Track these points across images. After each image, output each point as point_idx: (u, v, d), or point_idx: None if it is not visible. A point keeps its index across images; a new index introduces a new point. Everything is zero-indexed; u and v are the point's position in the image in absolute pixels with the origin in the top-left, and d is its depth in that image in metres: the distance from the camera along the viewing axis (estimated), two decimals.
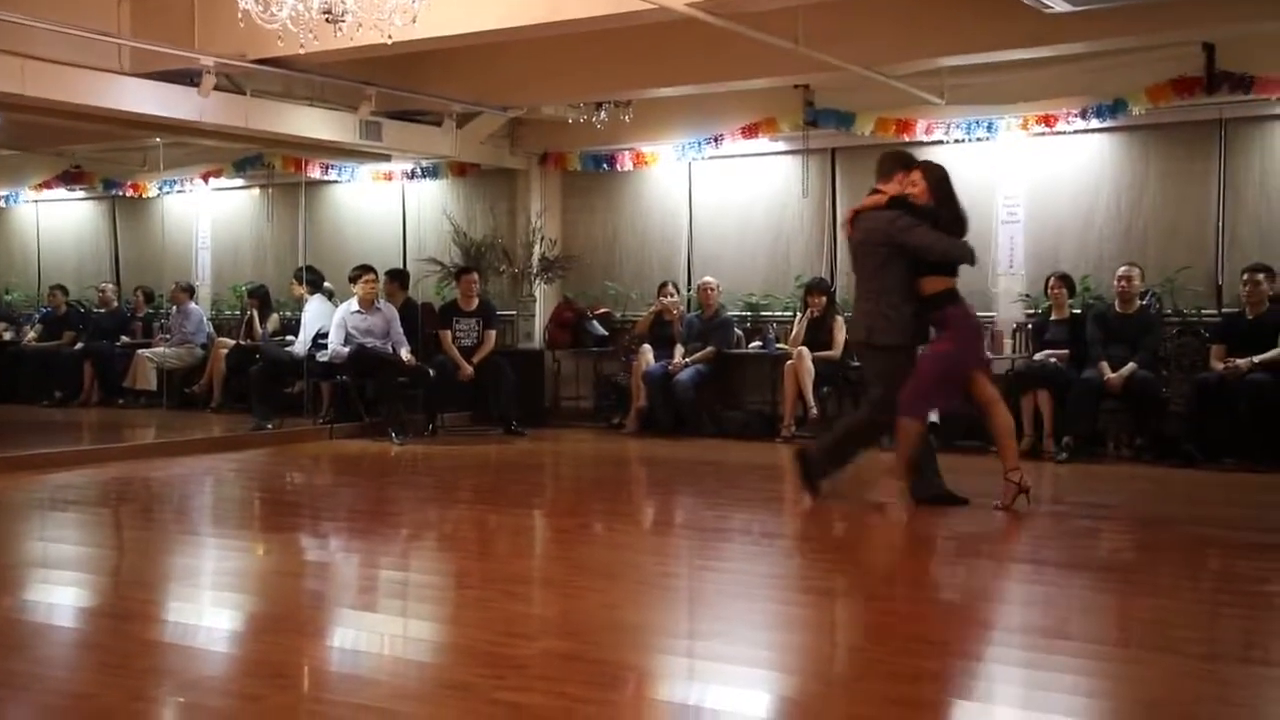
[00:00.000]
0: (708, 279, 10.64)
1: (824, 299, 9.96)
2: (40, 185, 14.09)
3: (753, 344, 10.60)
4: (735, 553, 5.92)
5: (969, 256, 6.57)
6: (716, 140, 10.81)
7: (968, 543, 6.07)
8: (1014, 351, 9.67)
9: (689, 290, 11.05)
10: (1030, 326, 9.61)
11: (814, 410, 9.68)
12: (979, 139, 9.88)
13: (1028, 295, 9.80)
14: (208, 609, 4.85)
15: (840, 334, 9.89)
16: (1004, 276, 9.93)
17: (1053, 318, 9.27)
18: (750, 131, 10.62)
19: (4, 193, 14.35)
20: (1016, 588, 5.20)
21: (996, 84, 9.57)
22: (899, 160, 6.73)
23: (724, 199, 11.12)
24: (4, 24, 7.37)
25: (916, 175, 6.54)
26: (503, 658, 3.94)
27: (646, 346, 10.46)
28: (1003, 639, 4.36)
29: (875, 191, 6.61)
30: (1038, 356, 9.15)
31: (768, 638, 4.36)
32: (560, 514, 7.24)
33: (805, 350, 9.76)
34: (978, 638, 4.31)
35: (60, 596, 4.98)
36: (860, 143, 10.29)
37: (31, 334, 13.50)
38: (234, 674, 3.92)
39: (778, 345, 10.30)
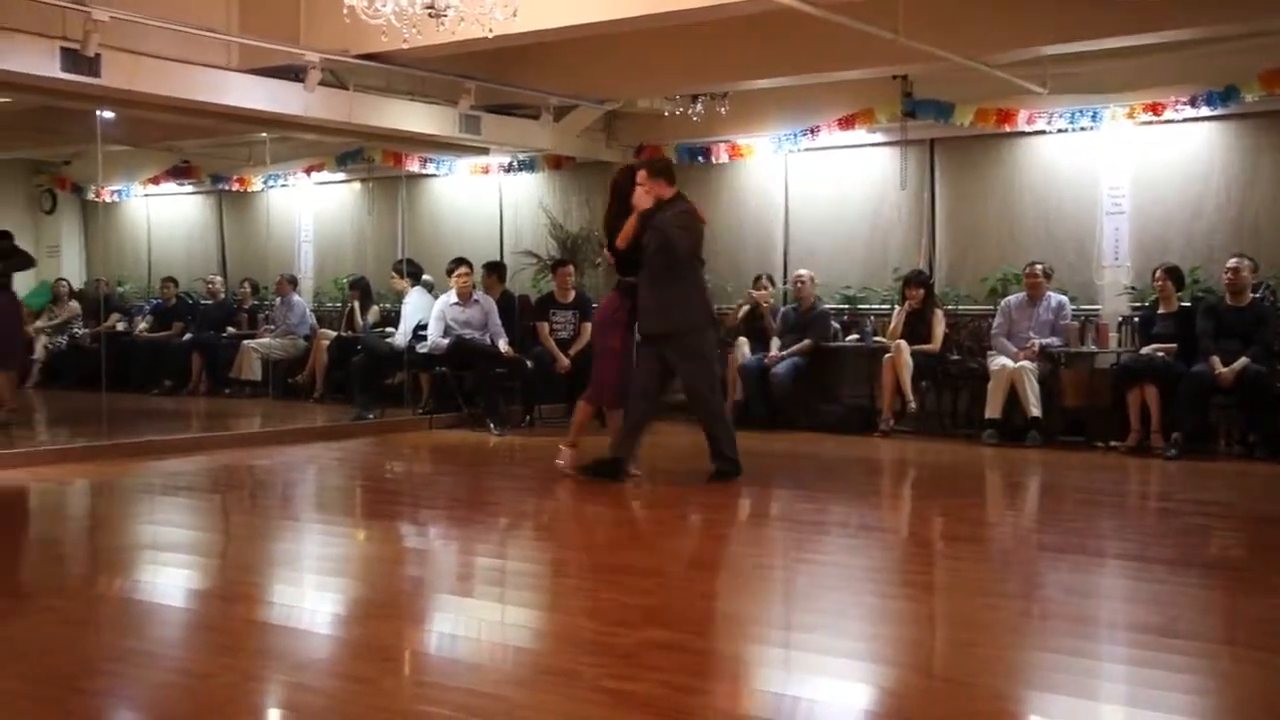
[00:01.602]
0: (804, 271, 10.56)
1: (922, 291, 9.84)
2: (151, 180, 14.47)
3: (850, 337, 10.51)
4: (833, 545, 5.90)
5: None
6: (813, 132, 10.73)
7: (1076, 539, 5.96)
8: (1119, 345, 9.46)
9: (785, 283, 10.98)
10: (1136, 320, 9.39)
11: (913, 404, 9.58)
12: (1082, 128, 9.68)
13: (1133, 288, 9.57)
14: (313, 593, 4.95)
15: (939, 327, 9.78)
16: (1109, 269, 9.72)
17: (1160, 311, 9.05)
18: (847, 123, 10.53)
19: (117, 188, 14.74)
20: (1125, 585, 5.09)
21: (1101, 72, 9.36)
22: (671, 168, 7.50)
23: (820, 191, 11.04)
24: (118, 22, 7.56)
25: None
26: (606, 646, 3.98)
27: (742, 339, 10.42)
28: (1111, 637, 4.28)
29: (679, 197, 7.25)
30: (1144, 351, 8.93)
31: (869, 630, 4.33)
32: (657, 505, 7.24)
33: (904, 343, 9.66)
34: (1086, 635, 4.23)
35: (171, 578, 5.13)
36: (960, 133, 10.15)
37: (143, 325, 13.88)
38: (342, 657, 3.99)
39: (875, 338, 10.20)
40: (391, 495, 7.68)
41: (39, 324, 14.19)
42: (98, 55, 7.61)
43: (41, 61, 7.58)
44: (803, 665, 3.90)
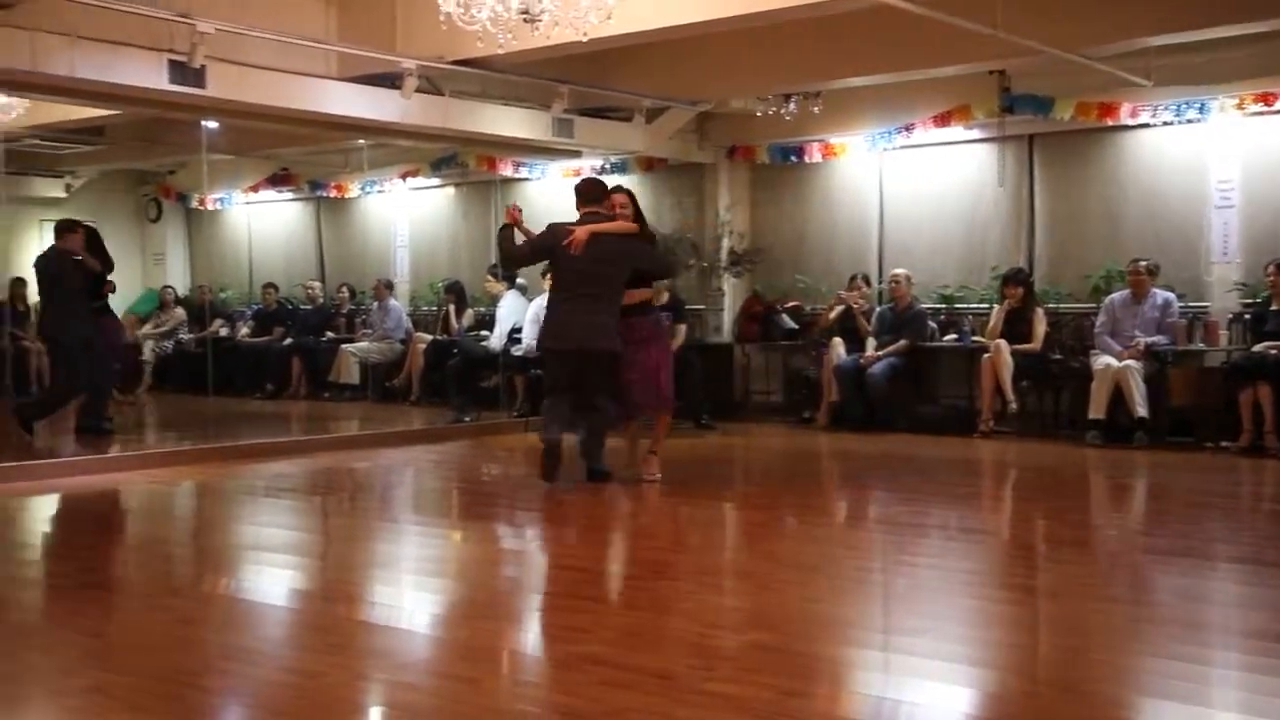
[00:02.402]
0: (900, 271, 10.43)
1: (1022, 290, 9.66)
2: (251, 188, 14.76)
3: (948, 336, 10.35)
4: (933, 548, 5.83)
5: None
6: (907, 129, 10.59)
7: (1187, 542, 5.81)
8: (1230, 343, 9.19)
9: (880, 282, 10.86)
10: (1248, 317, 9.10)
11: (1013, 404, 9.41)
12: (1189, 120, 9.41)
13: (1244, 284, 9.29)
14: (413, 593, 5.01)
15: (1040, 326, 9.60)
16: (1218, 264, 9.44)
17: (1273, 307, 8.76)
18: (943, 120, 10.37)
19: (219, 196, 15.06)
20: (1239, 590, 4.94)
21: (1208, 63, 9.09)
22: (602, 186, 7.59)
23: (916, 189, 10.89)
24: (222, 34, 7.72)
25: (623, 199, 7.38)
26: (709, 649, 3.97)
27: (838, 340, 10.32)
28: (1226, 643, 4.16)
29: (592, 213, 7.33)
30: (1257, 348, 8.66)
31: (972, 634, 4.27)
32: (754, 507, 7.23)
33: (1003, 343, 9.49)
34: (1200, 641, 4.11)
35: (275, 579, 5.23)
36: (1060, 128, 9.95)
37: (244, 330, 14.18)
38: (444, 657, 4.04)
39: (974, 338, 10.03)
40: (488, 497, 7.75)
41: (146, 330, 14.57)
42: (203, 67, 7.77)
43: (150, 74, 7.77)
44: (905, 669, 3.85)
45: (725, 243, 11.51)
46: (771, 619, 4.40)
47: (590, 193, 7.49)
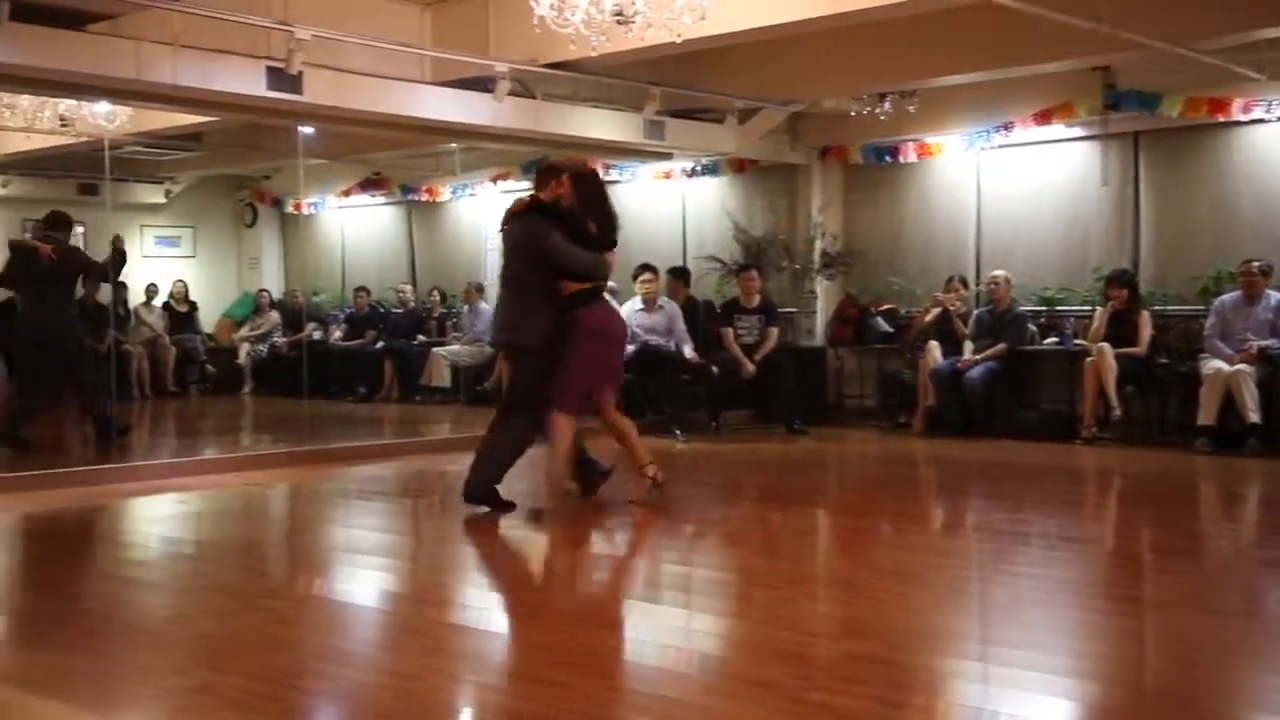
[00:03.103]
0: (998, 273, 10.19)
1: (1126, 292, 9.38)
2: (344, 192, 14.94)
3: (1048, 340, 10.08)
4: (1035, 558, 5.69)
5: (595, 272, 6.55)
6: (1006, 128, 10.35)
7: None
8: None
9: (978, 284, 10.63)
10: None
11: (1117, 410, 9.14)
12: None
13: None
14: (504, 597, 5.03)
15: (1146, 329, 9.32)
16: None
17: None
18: (1044, 117, 10.11)
19: (313, 200, 15.26)
20: None
21: None
22: (551, 170, 6.71)
23: (1015, 189, 10.64)
24: (318, 40, 7.80)
25: (564, 180, 6.54)
26: (808, 658, 3.91)
27: (934, 343, 10.12)
28: None
29: (535, 199, 6.64)
30: None
31: (1077, 646, 4.16)
32: (849, 514, 7.13)
33: (1107, 346, 9.22)
34: None
35: (369, 581, 5.26)
36: (1168, 125, 9.65)
37: (337, 333, 14.34)
38: (541, 661, 4.00)
39: (1076, 341, 9.76)
40: (579, 501, 7.68)
41: (242, 333, 14.83)
42: (300, 73, 7.86)
43: (249, 81, 7.88)
44: (1007, 681, 3.75)
45: (818, 245, 11.37)
46: (870, 628, 4.33)
47: (536, 178, 6.81)
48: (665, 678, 3.78)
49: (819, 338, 11.47)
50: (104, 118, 9.64)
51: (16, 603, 4.98)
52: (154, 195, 15.12)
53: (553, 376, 6.45)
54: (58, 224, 9.30)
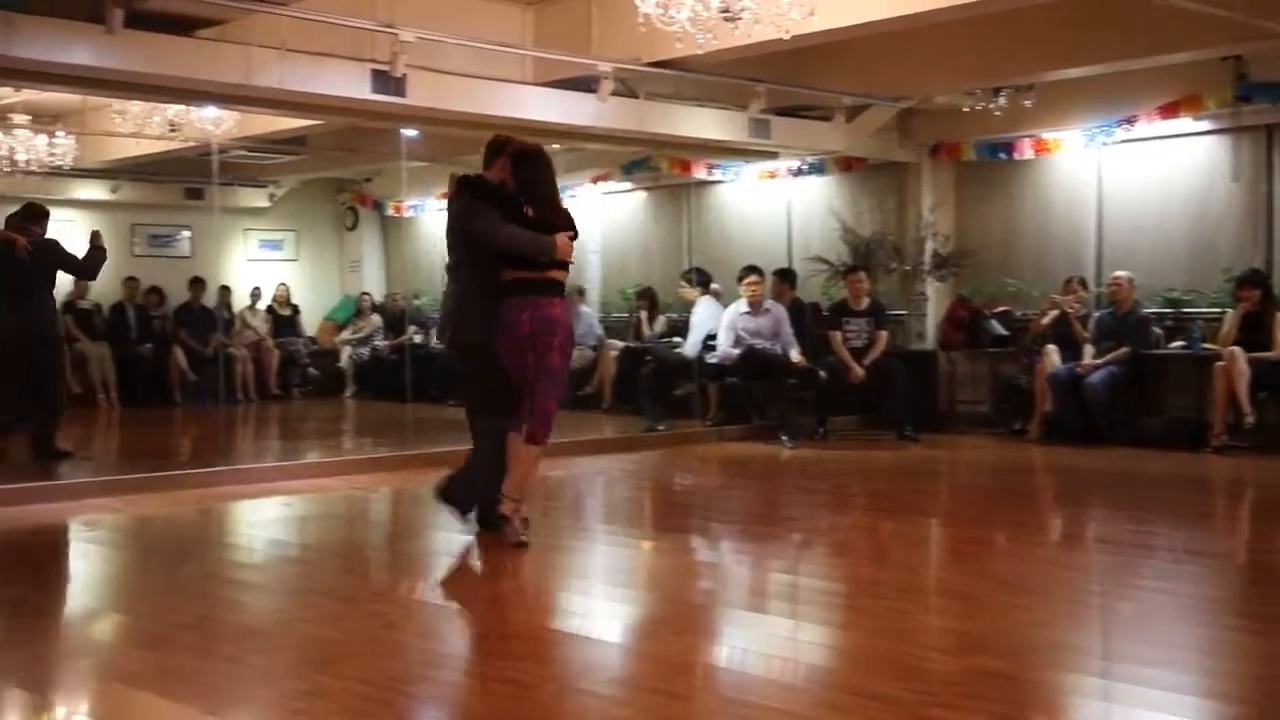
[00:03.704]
0: (1120, 273, 9.80)
1: (1259, 293, 8.96)
2: (444, 195, 14.90)
3: (1174, 343, 9.69)
4: (1162, 571, 5.46)
5: (541, 250, 5.67)
6: (1129, 122, 9.96)
7: None
8: None
9: (1098, 286, 10.25)
10: None
11: (1250, 417, 8.72)
12: None
13: None
14: (614, 605, 4.93)
15: None
16: None
17: None
18: (1169, 111, 9.71)
19: (413, 203, 15.31)
20: None
21: None
22: (497, 148, 6.01)
23: (1138, 186, 10.23)
24: (420, 42, 7.76)
25: (505, 161, 5.88)
26: (929, 672, 3.79)
27: (1052, 347, 9.77)
28: None
29: (465, 179, 6.01)
30: None
31: (1210, 664, 3.99)
32: (963, 524, 6.91)
33: (1238, 350, 8.81)
34: None
35: (471, 585, 5.29)
36: None
37: (438, 337, 14.36)
38: (652, 671, 3.94)
39: (1204, 345, 9.35)
40: (683, 508, 7.61)
41: (343, 336, 14.95)
42: (404, 76, 7.84)
43: (353, 84, 7.89)
44: (1135, 700, 3.58)
45: (928, 245, 11.09)
46: (992, 642, 4.18)
47: (484, 155, 6.06)
48: (775, 689, 3.69)
49: (930, 341, 11.18)
50: (211, 122, 9.74)
51: (133, 603, 5.01)
52: (258, 199, 15.32)
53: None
54: (34, 216, 8.79)
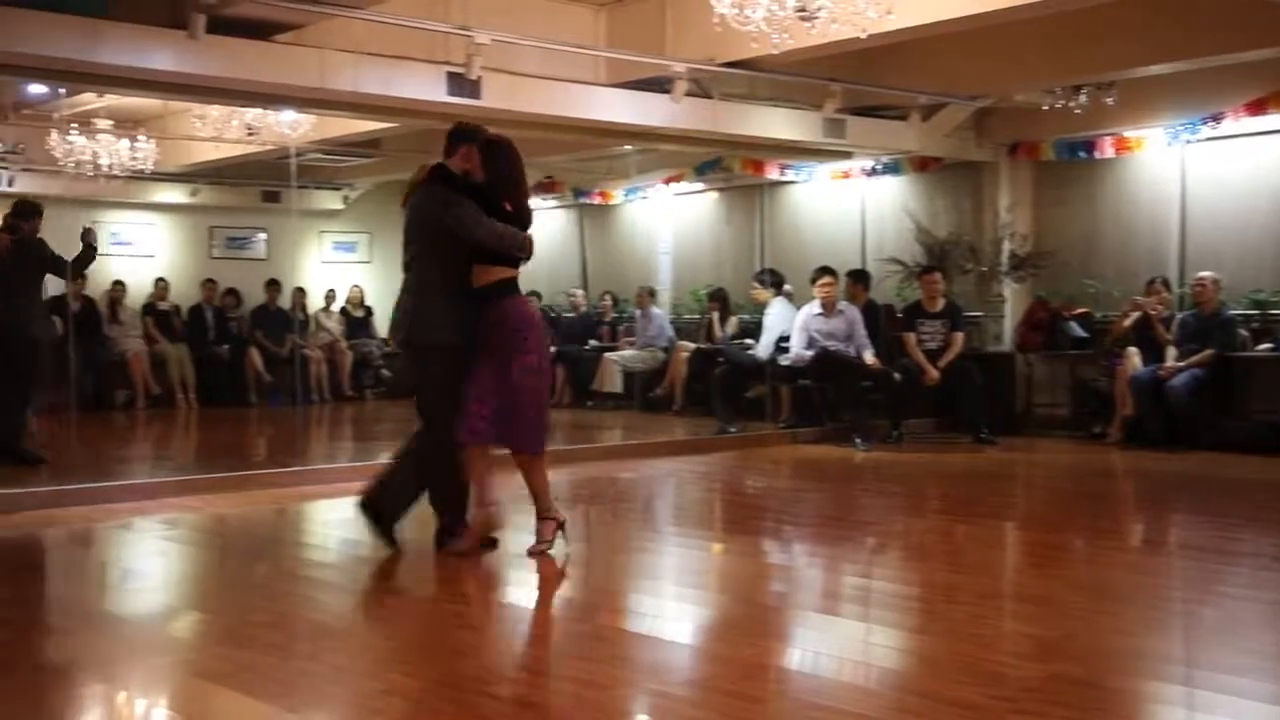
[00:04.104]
0: (1205, 274, 9.57)
1: None
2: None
3: (1261, 345, 9.44)
4: (1249, 578, 5.31)
5: (520, 246, 5.39)
6: (1215, 119, 9.74)
7: None
8: None
9: (1181, 287, 10.04)
10: None
11: None
12: None
13: None
14: (685, 607, 4.89)
15: None
16: None
17: None
18: (1257, 107, 9.47)
19: None
20: None
21: None
22: (463, 135, 5.54)
23: (1224, 184, 10.01)
24: (495, 44, 7.78)
25: (471, 150, 5.43)
26: (1009, 678, 3.72)
27: (1133, 349, 9.58)
28: None
29: (439, 168, 5.49)
30: None
31: None
32: (1042, 528, 6.78)
33: None
34: None
35: (544, 586, 5.24)
36: None
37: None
38: (726, 673, 3.88)
39: None
40: (755, 510, 7.53)
41: None
42: (479, 78, 7.86)
43: (428, 86, 7.96)
44: (1219, 708, 3.51)
45: (1006, 246, 10.94)
46: (1073, 649, 4.08)
47: (445, 142, 5.61)
48: (851, 693, 3.64)
49: (1007, 343, 11.02)
50: (288, 126, 9.85)
51: (212, 602, 5.06)
52: (332, 201, 15.50)
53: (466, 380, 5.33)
54: (24, 213, 8.43)
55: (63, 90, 8.95)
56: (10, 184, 12.32)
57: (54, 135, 10.66)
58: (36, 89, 8.95)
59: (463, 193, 5.33)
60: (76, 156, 10.76)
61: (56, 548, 6.38)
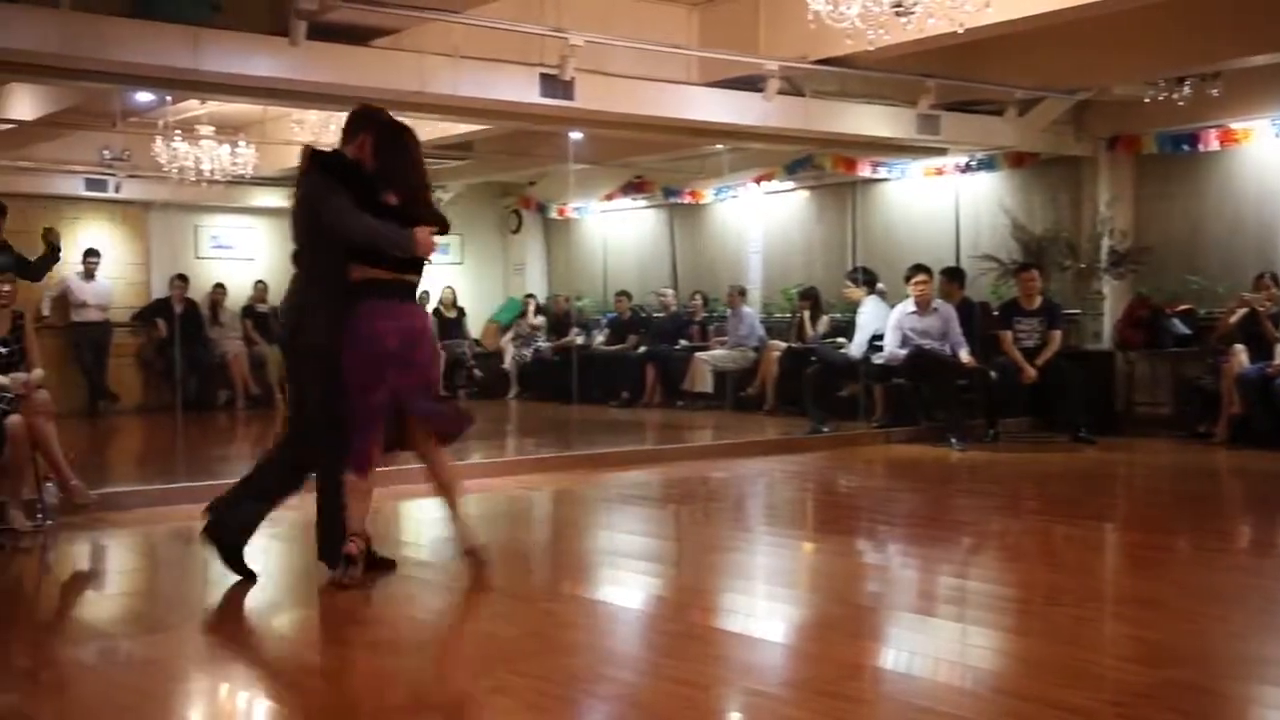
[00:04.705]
0: None
1: None
2: (606, 196, 15.06)
3: None
4: None
5: (398, 244, 4.82)
6: None
7: None
8: None
9: None
10: None
11: None
12: None
13: None
14: (782, 607, 4.88)
15: None
16: None
17: None
18: None
19: (577, 205, 15.47)
20: None
21: None
22: (361, 120, 5.04)
23: None
24: (588, 45, 7.82)
25: (366, 137, 4.93)
26: (1117, 682, 3.67)
27: (1239, 346, 9.33)
28: None
29: (317, 154, 5.04)
30: None
31: None
32: (1145, 529, 6.62)
33: None
34: None
35: (644, 586, 5.26)
36: None
37: (600, 338, 14.48)
38: (828, 674, 3.86)
39: None
40: (849, 510, 7.48)
41: (507, 338, 15.18)
42: (572, 79, 7.90)
43: (523, 88, 8.01)
44: None
45: (1105, 242, 10.70)
46: (1182, 653, 4.01)
47: (345, 126, 5.13)
48: (953, 695, 3.60)
49: (1106, 341, 10.80)
50: None
51: (315, 599, 5.08)
52: None
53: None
54: None
55: (168, 98, 9.15)
56: (117, 189, 12.69)
57: (158, 142, 10.93)
58: (143, 97, 9.15)
59: (347, 180, 4.82)
60: (180, 162, 11.00)
61: (162, 544, 6.52)
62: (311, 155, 4.95)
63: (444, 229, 5.09)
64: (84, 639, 4.35)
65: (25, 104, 9.75)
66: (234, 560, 4.99)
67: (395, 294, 4.89)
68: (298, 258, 5.01)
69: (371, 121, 5.00)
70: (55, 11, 6.72)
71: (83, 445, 8.50)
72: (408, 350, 4.87)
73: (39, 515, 6.35)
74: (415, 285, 5.04)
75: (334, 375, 4.79)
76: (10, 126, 10.42)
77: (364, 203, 4.77)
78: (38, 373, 6.37)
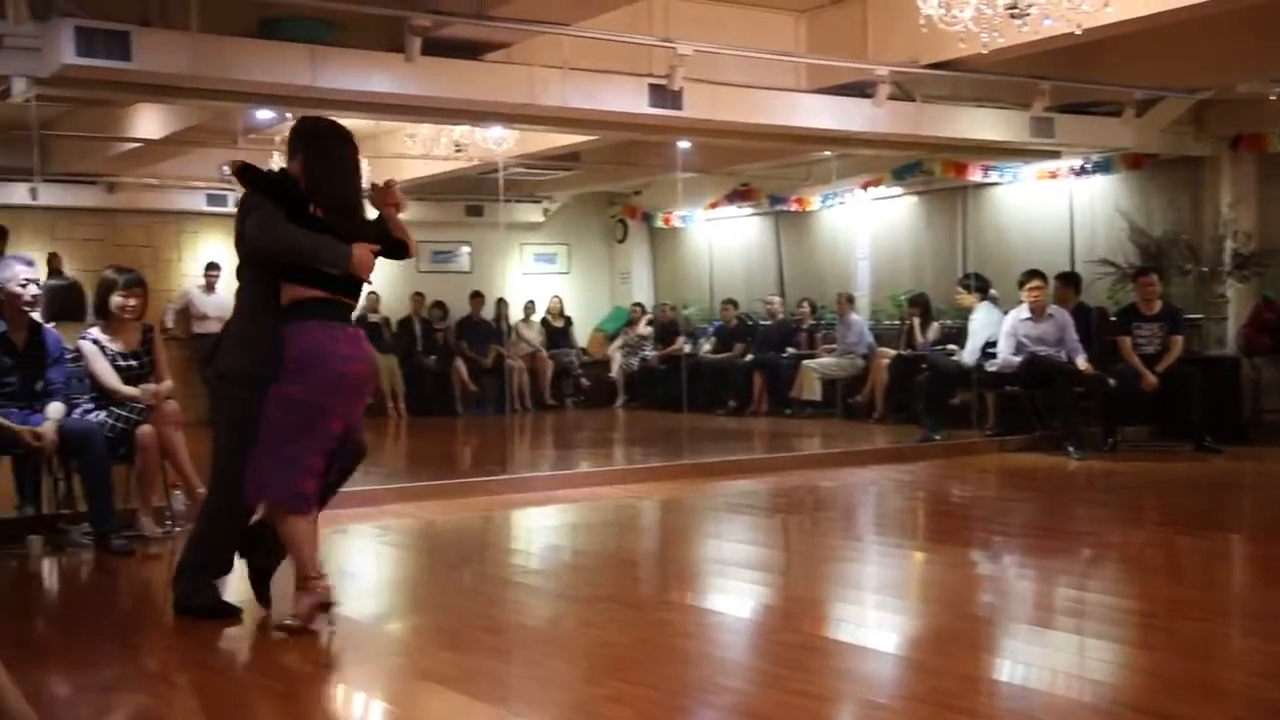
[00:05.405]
0: None
1: None
2: (712, 204, 15.04)
3: None
4: None
5: (331, 259, 4.37)
6: None
7: None
8: None
9: None
10: None
11: None
12: None
13: None
14: (898, 618, 4.82)
15: None
16: None
17: None
18: None
19: (682, 213, 15.48)
20: None
21: None
22: (294, 132, 4.71)
23: None
24: (695, 54, 7.83)
25: (299, 148, 4.54)
26: (1254, 700, 3.58)
27: None
28: None
29: (244, 169, 4.58)
30: None
31: None
32: (1276, 542, 6.39)
33: None
34: None
35: (759, 596, 5.25)
36: None
37: (707, 347, 14.47)
38: (947, 688, 3.78)
39: None
40: (963, 520, 7.35)
41: (614, 346, 15.26)
42: (680, 88, 7.93)
43: (631, 99, 8.06)
44: None
45: (1228, 244, 10.41)
46: None
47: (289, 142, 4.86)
48: (1076, 709, 3.53)
49: (1230, 346, 10.48)
50: (494, 142, 10.12)
51: (430, 606, 5.18)
52: (533, 214, 15.84)
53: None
54: None
55: (288, 115, 9.38)
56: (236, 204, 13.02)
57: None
58: (263, 114, 9.40)
59: (279, 196, 4.43)
60: None
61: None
62: (239, 170, 4.55)
63: (392, 248, 4.65)
64: (210, 642, 4.45)
65: (152, 123, 10.07)
66: (215, 609, 4.64)
67: (335, 316, 4.44)
68: (238, 281, 4.75)
69: (303, 133, 4.64)
70: (185, 34, 6.93)
71: (206, 454, 8.73)
72: (367, 382, 4.56)
73: (168, 521, 6.55)
74: (352, 309, 4.61)
75: (248, 403, 4.38)
76: (138, 145, 10.77)
77: (297, 218, 4.37)
78: (167, 384, 6.56)
